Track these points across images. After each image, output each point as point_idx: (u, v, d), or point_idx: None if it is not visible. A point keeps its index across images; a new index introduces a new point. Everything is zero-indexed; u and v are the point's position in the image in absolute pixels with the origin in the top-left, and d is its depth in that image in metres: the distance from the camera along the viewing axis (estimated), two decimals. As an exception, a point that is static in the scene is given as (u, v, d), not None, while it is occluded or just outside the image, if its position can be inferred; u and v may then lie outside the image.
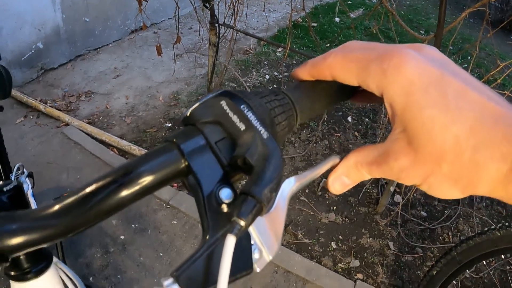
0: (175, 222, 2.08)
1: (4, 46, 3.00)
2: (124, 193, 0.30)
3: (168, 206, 2.14)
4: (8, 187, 0.76)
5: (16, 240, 0.29)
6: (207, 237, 0.30)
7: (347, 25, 3.95)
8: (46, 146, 2.48)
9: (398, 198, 2.30)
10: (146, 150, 2.41)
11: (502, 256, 2.11)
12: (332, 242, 2.04)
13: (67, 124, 2.63)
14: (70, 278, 0.76)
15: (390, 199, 2.24)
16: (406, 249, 2.07)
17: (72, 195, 0.30)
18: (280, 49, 3.42)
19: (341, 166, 0.35)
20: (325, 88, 0.38)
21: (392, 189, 2.12)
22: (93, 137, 2.52)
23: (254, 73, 3.07)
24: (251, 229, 0.32)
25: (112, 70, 3.30)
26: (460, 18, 1.75)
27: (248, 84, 3.04)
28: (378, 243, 2.06)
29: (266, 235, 0.32)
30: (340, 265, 1.94)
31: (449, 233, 2.17)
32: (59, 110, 2.76)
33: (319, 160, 2.48)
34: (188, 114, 0.34)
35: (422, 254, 2.06)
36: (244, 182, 0.32)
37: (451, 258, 1.46)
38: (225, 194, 0.31)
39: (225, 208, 0.31)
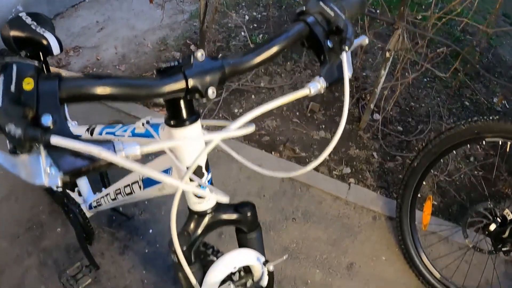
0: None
1: (-14, 12, 3.01)
2: None
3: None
4: None
5: None
6: (327, 58, 0.61)
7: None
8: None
9: (377, 116, 2.58)
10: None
11: (468, 146, 2.43)
12: (325, 155, 2.31)
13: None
14: None
15: (370, 116, 2.52)
16: (388, 157, 2.37)
17: None
18: (255, -9, 3.56)
19: None
20: None
21: (372, 106, 2.39)
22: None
23: (234, 15, 3.22)
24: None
25: (94, 24, 3.37)
26: None
27: (230, 25, 3.20)
28: (364, 154, 2.36)
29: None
30: (335, 172, 2.23)
31: (423, 144, 2.47)
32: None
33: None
34: (304, 9, 0.66)
35: (401, 161, 2.36)
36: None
37: (428, 150, 1.67)
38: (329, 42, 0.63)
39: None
